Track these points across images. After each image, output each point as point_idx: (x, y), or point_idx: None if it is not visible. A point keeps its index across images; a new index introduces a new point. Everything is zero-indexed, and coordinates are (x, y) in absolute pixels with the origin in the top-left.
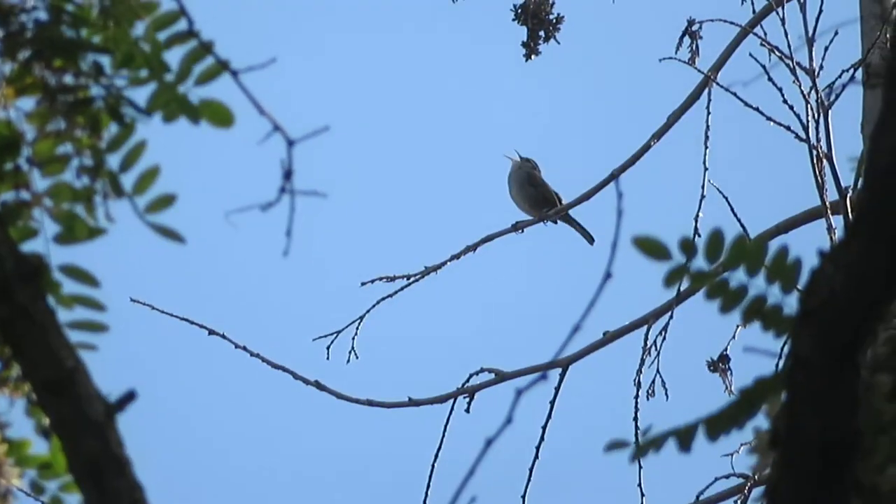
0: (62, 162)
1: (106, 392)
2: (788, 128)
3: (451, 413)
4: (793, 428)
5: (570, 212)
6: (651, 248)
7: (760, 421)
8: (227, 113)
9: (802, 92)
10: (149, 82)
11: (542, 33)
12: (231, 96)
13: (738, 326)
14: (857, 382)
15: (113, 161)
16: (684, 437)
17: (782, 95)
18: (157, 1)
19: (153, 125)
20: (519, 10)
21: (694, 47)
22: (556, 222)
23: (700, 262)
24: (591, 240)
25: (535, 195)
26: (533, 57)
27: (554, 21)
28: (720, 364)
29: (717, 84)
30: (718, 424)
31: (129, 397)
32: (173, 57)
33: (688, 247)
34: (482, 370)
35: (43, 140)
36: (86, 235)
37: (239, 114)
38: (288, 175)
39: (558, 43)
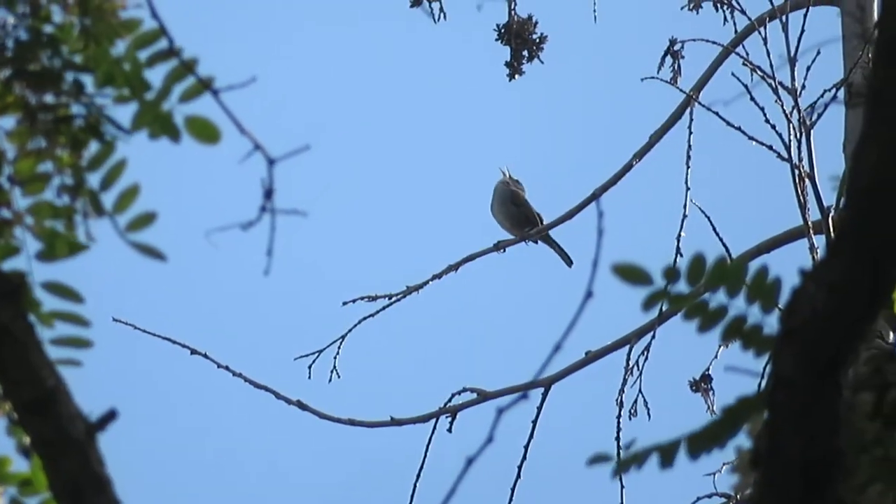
0: (43, 181)
1: (87, 411)
2: (771, 147)
3: (433, 432)
4: (774, 447)
5: (552, 232)
6: (631, 274)
7: (742, 440)
8: (214, 129)
9: (784, 111)
10: (131, 100)
11: (525, 53)
12: (211, 114)
13: (720, 346)
14: (838, 401)
15: (93, 179)
16: (666, 454)
17: (764, 115)
18: (138, 19)
19: (133, 144)
20: (503, 30)
21: (676, 67)
22: (536, 242)
23: (681, 285)
24: (569, 262)
25: (517, 214)
26: (517, 76)
27: (537, 41)
28: (702, 384)
29: (699, 103)
30: (700, 442)
31: (110, 416)
32: (156, 75)
33: (671, 274)
34: (464, 390)
35: (24, 159)
36: (67, 252)
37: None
38: (269, 194)
39: (542, 62)
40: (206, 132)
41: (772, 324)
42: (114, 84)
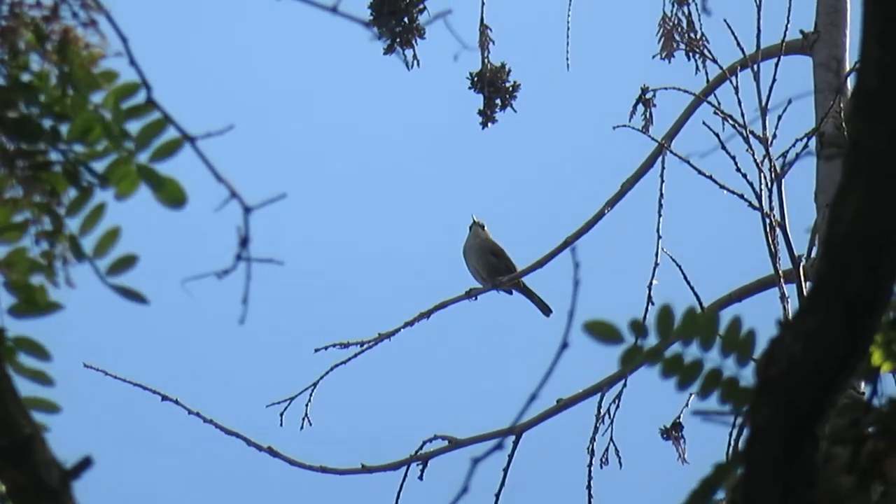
0: (19, 229)
1: (62, 459)
2: (742, 196)
3: (404, 480)
4: (750, 498)
5: (527, 280)
6: (602, 331)
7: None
8: (180, 192)
9: (756, 160)
10: (105, 155)
11: (498, 101)
12: (187, 161)
13: (691, 394)
14: (815, 453)
15: (72, 224)
16: None
17: (736, 164)
18: (116, 70)
19: (108, 190)
20: (476, 78)
21: (648, 115)
22: (510, 293)
23: (652, 339)
24: (547, 312)
25: (497, 265)
26: (489, 124)
27: (510, 88)
28: (673, 431)
29: (671, 152)
30: None
31: (85, 464)
32: (131, 128)
33: (638, 328)
34: (435, 437)
35: (0, 207)
36: (41, 309)
37: (196, 179)
38: (244, 242)
39: (514, 111)
40: (172, 194)
41: (748, 375)
42: (91, 135)
